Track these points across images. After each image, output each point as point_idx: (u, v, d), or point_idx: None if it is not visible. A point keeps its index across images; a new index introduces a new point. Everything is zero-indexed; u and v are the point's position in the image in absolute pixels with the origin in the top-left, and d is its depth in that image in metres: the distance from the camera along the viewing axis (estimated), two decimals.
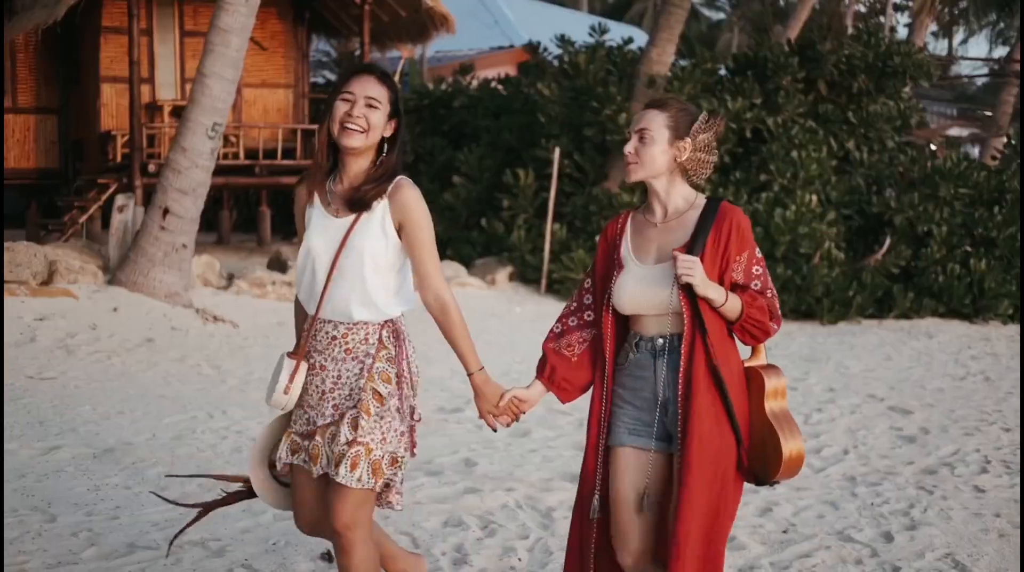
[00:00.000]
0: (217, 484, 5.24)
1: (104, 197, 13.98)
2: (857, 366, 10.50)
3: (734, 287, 3.34)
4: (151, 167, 13.82)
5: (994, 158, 18.51)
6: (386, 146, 3.41)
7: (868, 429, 7.70)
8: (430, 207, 3.44)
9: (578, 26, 25.96)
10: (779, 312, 3.39)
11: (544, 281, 14.57)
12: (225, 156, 14.99)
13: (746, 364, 3.41)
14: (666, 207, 3.43)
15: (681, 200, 3.43)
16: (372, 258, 3.35)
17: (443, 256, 15.98)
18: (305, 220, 3.47)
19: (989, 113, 25.55)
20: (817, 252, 14.40)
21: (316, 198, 3.42)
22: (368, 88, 3.35)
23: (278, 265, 12.96)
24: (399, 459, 3.39)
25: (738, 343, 3.42)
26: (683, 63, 16.91)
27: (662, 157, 3.37)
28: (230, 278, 11.85)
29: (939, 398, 8.95)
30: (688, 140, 3.37)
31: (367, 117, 3.33)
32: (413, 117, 17.79)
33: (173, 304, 10.52)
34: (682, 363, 3.29)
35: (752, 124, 15.59)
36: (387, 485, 3.40)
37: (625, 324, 3.46)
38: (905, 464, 6.74)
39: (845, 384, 9.47)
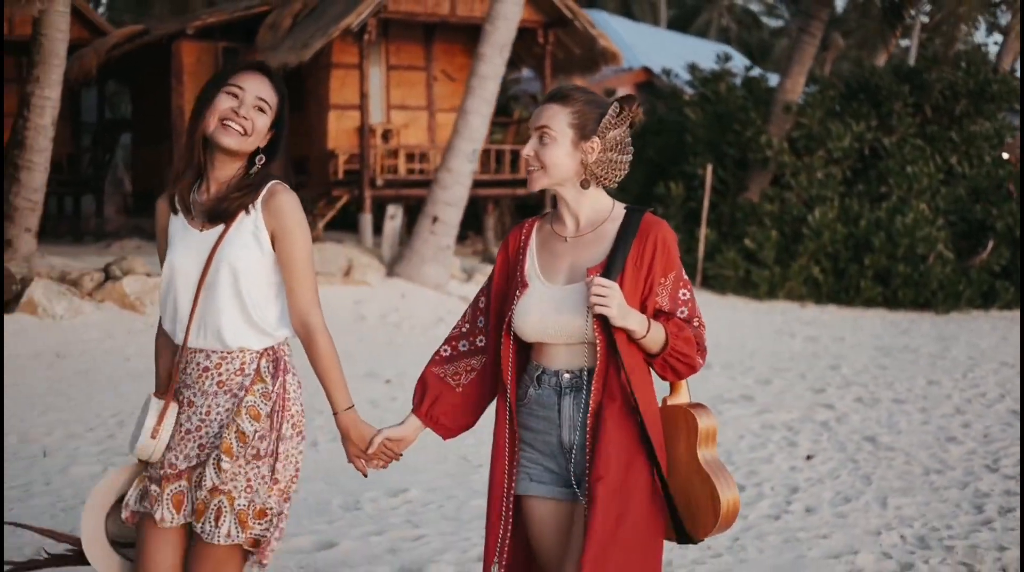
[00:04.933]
0: None
1: (338, 206, 16.94)
2: (983, 344, 13.16)
3: (657, 314, 2.87)
4: (379, 181, 16.76)
5: None
6: (259, 158, 3.02)
7: (1012, 383, 10.37)
8: None
9: (684, 48, 28.68)
10: (706, 344, 2.91)
11: (699, 277, 17.37)
12: (422, 172, 17.91)
13: (668, 402, 2.98)
14: (578, 218, 2.94)
15: (595, 210, 2.93)
16: (246, 273, 2.95)
17: None
18: (168, 237, 3.07)
19: None
20: (931, 253, 17.04)
21: (181, 210, 3.03)
22: (260, 88, 2.97)
23: (490, 259, 15.83)
24: (268, 511, 2.97)
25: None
26: (808, 89, 19.49)
27: (567, 161, 2.86)
28: (467, 272, 14.75)
29: None
30: (596, 139, 2.86)
31: (253, 120, 2.95)
32: None
33: (439, 292, 13.42)
34: (592, 401, 2.82)
35: (870, 143, 18.27)
36: (257, 541, 2.98)
37: (526, 352, 2.97)
38: None
39: (980, 353, 12.16)
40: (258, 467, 2.94)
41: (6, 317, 10.18)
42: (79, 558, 3.19)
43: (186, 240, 2.99)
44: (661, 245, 2.84)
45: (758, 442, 7.64)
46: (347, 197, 16.89)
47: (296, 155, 19.17)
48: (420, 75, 18.90)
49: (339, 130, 18.23)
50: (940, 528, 5.69)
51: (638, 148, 20.31)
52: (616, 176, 2.91)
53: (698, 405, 2.94)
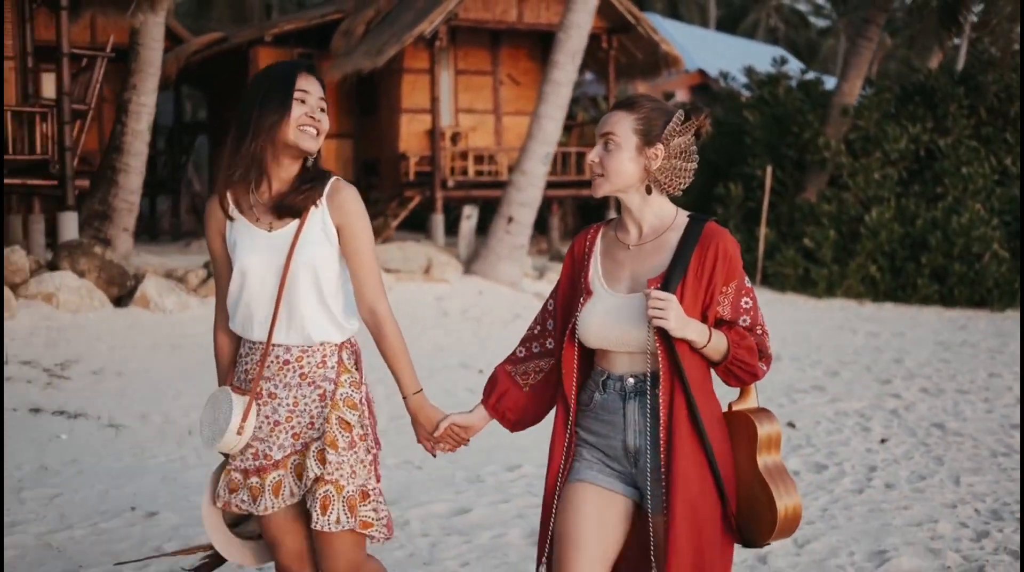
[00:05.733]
0: None
1: (410, 206, 17.63)
2: None
3: (719, 323, 2.91)
4: (449, 183, 17.42)
5: None
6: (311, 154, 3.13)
7: None
8: None
9: (735, 50, 29.11)
10: (769, 351, 2.96)
11: (759, 274, 17.91)
12: (490, 174, 18.55)
13: (734, 407, 3.01)
14: (641, 226, 2.97)
15: (658, 218, 2.96)
16: (323, 268, 3.05)
17: None
18: (227, 240, 3.11)
19: None
20: (986, 252, 17.46)
21: (239, 213, 3.09)
22: (317, 88, 3.08)
23: (557, 257, 16.44)
24: (369, 492, 3.11)
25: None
26: (864, 92, 19.92)
27: (630, 166, 2.90)
28: (539, 270, 15.36)
29: None
30: (660, 146, 2.90)
31: (322, 120, 3.06)
32: None
33: (514, 289, 14.05)
34: (662, 412, 2.85)
35: (925, 145, 18.72)
36: (368, 523, 3.12)
37: (590, 357, 3.03)
38: None
39: None
40: (356, 452, 3.07)
41: (121, 310, 10.95)
42: (216, 560, 3.36)
43: (255, 242, 3.05)
44: (722, 254, 2.86)
45: (834, 428, 8.21)
46: (419, 198, 17.58)
47: (368, 157, 19.89)
48: (487, 79, 19.56)
49: (410, 133, 18.93)
50: (1011, 503, 6.24)
51: (697, 150, 21.11)
52: (680, 184, 2.95)
53: (761, 410, 2.99)
